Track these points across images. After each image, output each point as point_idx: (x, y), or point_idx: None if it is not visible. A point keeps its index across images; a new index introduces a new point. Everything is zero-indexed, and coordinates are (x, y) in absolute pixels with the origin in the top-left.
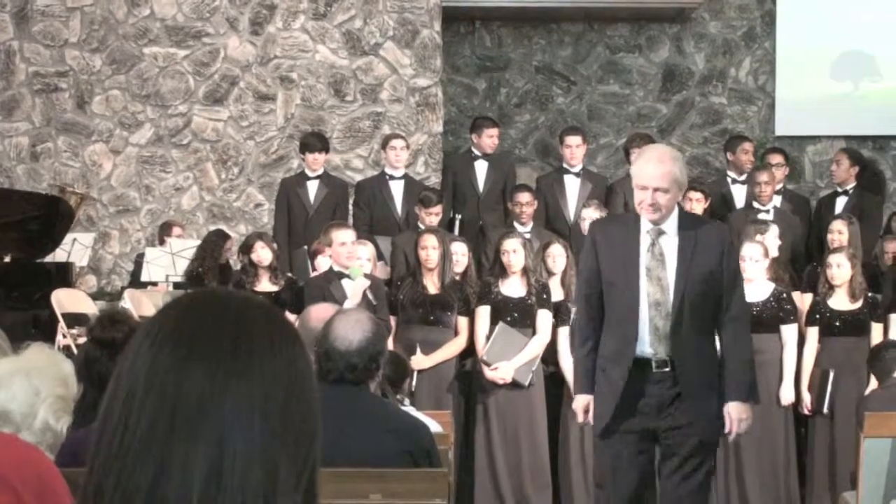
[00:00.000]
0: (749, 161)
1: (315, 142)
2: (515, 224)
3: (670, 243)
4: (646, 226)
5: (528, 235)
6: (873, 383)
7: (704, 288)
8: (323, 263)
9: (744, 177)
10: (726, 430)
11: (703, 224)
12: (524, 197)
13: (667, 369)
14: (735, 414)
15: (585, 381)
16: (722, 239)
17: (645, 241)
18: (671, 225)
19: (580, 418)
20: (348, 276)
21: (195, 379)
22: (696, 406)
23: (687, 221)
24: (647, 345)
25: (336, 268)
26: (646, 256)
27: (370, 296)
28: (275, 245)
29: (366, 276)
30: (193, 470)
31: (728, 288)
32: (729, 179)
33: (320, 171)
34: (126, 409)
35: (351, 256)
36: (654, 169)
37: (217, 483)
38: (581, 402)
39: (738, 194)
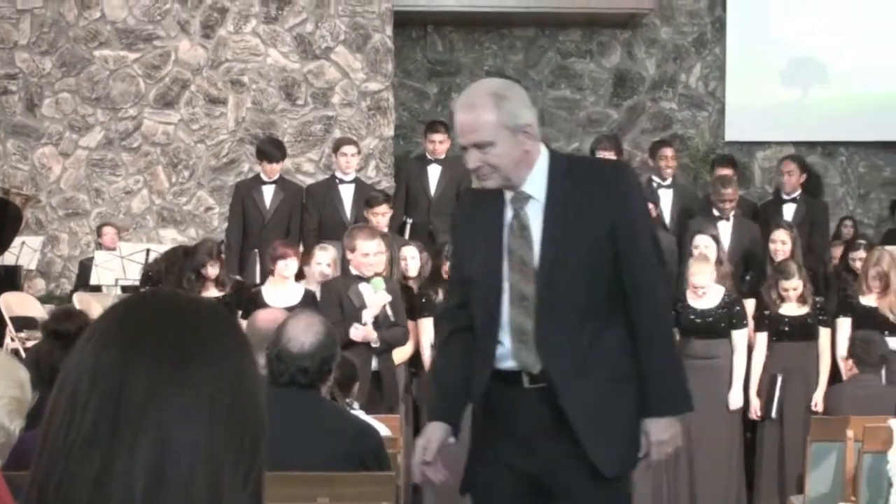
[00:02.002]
0: (668, 166)
1: (274, 152)
2: None
3: (537, 210)
4: (509, 193)
5: None
6: (822, 387)
7: (590, 264)
8: (285, 268)
9: (668, 181)
10: (641, 454)
11: (588, 170)
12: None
13: (544, 385)
14: (655, 433)
15: (435, 405)
16: (615, 188)
17: (508, 213)
18: (537, 184)
19: (416, 457)
20: (366, 281)
21: (139, 378)
22: (587, 432)
23: (562, 172)
24: (510, 355)
25: (354, 272)
26: (507, 234)
27: (389, 311)
28: (223, 257)
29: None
30: (136, 469)
31: (627, 258)
32: (654, 184)
33: (276, 177)
34: (70, 408)
35: (372, 267)
36: (466, 119)
37: (160, 482)
38: (424, 436)
39: (664, 198)
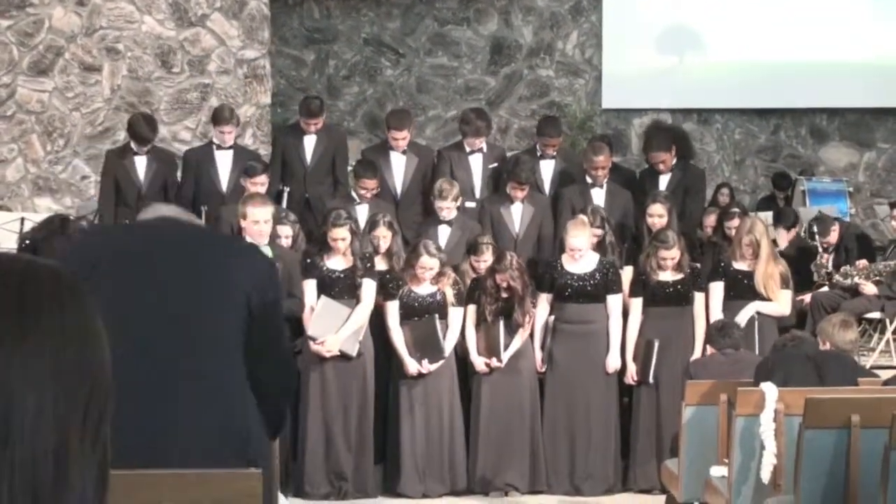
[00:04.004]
0: (549, 154)
1: (147, 133)
2: (356, 196)
3: None
4: None
5: (365, 207)
6: (697, 351)
7: None
8: None
9: (552, 151)
10: None
11: None
12: (371, 183)
13: None
14: None
15: None
16: None
17: None
18: None
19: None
20: None
21: None
22: None
23: None
24: None
25: (249, 240)
26: None
27: None
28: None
29: (277, 255)
30: None
31: None
32: (538, 153)
33: (148, 147)
34: None
35: (261, 234)
36: None
37: (5, 443)
38: None
39: (546, 169)
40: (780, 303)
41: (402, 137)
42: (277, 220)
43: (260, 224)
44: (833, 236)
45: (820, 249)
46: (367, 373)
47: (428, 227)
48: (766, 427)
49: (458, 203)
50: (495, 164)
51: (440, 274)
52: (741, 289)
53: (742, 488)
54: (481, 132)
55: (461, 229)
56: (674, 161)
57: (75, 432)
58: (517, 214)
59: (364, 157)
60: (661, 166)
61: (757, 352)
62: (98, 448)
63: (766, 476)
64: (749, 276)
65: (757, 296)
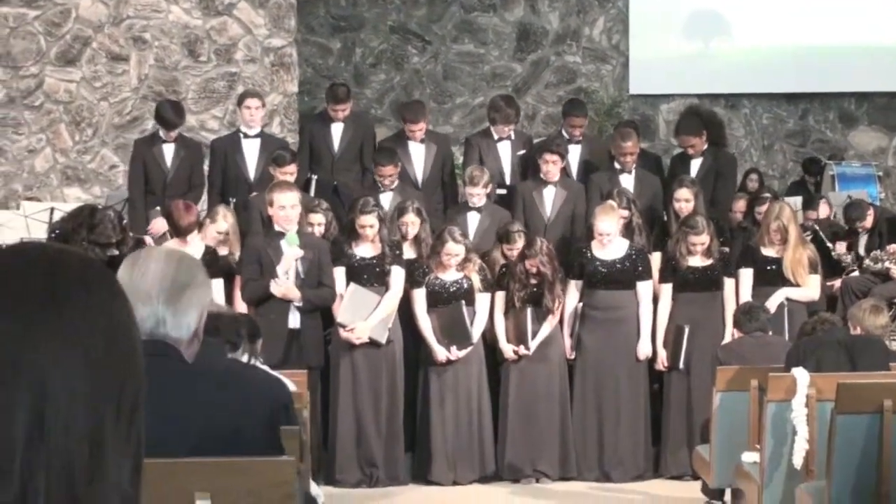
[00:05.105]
0: (574, 135)
1: (175, 119)
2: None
3: None
4: None
5: (390, 195)
6: (727, 337)
7: None
8: (192, 239)
9: (578, 133)
10: None
11: None
12: (388, 170)
13: None
14: None
15: None
16: None
17: None
18: None
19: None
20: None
21: (7, 326)
22: None
23: None
24: None
25: (278, 227)
26: None
27: (300, 268)
28: (125, 223)
29: (307, 244)
30: (15, 419)
31: None
32: (565, 137)
33: (176, 135)
34: None
35: (288, 220)
36: None
37: (40, 431)
38: None
39: (573, 152)
40: (810, 288)
41: (418, 129)
42: (310, 208)
43: (286, 209)
44: (869, 220)
45: (832, 245)
46: (396, 360)
47: (457, 213)
48: (798, 412)
49: (489, 190)
50: (523, 152)
51: (466, 260)
52: (770, 275)
53: (774, 474)
54: (510, 119)
55: (490, 216)
56: (705, 146)
57: (109, 419)
58: (549, 198)
59: (380, 146)
60: (691, 150)
61: (787, 338)
62: (132, 436)
63: (797, 462)
64: (777, 262)
65: (785, 282)
